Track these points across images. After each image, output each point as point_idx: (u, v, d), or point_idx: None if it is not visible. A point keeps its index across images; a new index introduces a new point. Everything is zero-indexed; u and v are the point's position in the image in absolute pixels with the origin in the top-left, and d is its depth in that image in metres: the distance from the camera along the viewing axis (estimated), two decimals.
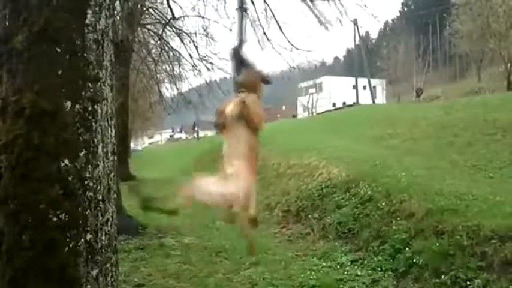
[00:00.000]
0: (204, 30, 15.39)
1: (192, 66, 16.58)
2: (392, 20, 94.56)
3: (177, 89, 19.64)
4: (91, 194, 2.32)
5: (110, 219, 2.46)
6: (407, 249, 6.15)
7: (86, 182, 2.30)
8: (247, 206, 3.02)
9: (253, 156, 3.07)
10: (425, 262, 5.69)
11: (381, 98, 56.26)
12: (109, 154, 2.47)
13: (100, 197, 2.38)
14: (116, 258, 2.57)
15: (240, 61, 3.24)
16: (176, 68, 18.18)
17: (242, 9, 4.11)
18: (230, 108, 3.05)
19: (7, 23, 2.33)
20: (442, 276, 5.35)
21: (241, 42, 3.36)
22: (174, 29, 15.90)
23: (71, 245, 2.23)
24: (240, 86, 3.16)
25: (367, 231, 7.22)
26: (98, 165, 2.37)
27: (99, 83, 2.40)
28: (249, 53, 3.25)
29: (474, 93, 35.43)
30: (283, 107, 71.01)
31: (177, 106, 19.51)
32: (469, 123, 13.20)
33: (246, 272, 6.28)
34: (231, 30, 11.61)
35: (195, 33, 15.54)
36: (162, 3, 15.97)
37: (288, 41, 6.54)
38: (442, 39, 66.96)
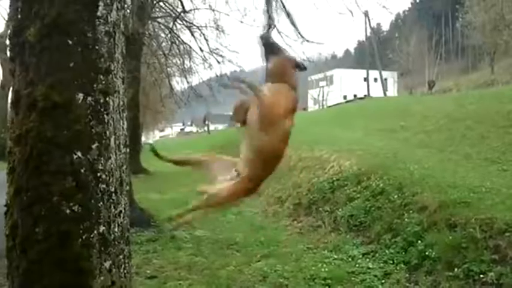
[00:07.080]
0: (215, 23, 15.33)
1: (203, 59, 16.50)
2: (404, 12, 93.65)
3: (188, 82, 19.58)
4: (104, 186, 2.33)
5: (123, 211, 2.47)
6: (419, 242, 6.11)
7: (98, 174, 2.31)
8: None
9: (260, 162, 2.62)
10: (438, 255, 5.65)
11: (392, 91, 55.94)
12: (121, 146, 2.47)
13: (112, 189, 2.38)
14: (129, 250, 2.58)
15: (269, 47, 2.83)
16: (186, 62, 18.05)
17: None
18: (250, 107, 2.64)
19: (19, 16, 2.34)
20: (455, 269, 5.31)
21: (269, 27, 3.11)
22: (184, 22, 15.83)
23: (84, 237, 2.24)
24: (269, 74, 2.79)
25: (379, 224, 7.18)
26: (110, 158, 2.37)
27: (110, 75, 2.40)
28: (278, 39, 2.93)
29: (487, 86, 35.03)
30: None
31: (187, 99, 19.49)
32: (482, 116, 13.04)
33: (258, 265, 6.29)
34: (241, 22, 11.56)
35: (206, 26, 15.48)
36: None
37: (299, 33, 6.50)
38: (455, 30, 66.20)
